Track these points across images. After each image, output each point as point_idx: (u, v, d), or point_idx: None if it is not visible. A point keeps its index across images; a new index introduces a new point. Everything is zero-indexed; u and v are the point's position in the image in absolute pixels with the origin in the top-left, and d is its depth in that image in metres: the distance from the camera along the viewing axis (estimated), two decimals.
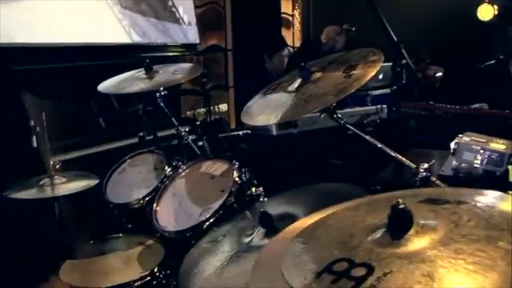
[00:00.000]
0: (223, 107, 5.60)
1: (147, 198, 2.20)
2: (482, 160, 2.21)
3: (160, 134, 3.19)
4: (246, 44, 5.41)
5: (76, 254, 2.08)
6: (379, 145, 1.65)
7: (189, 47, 4.60)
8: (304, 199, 1.76)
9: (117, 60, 3.95)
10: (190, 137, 2.51)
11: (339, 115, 1.71)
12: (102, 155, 3.36)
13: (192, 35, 4.61)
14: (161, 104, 2.45)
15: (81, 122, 3.54)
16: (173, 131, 2.56)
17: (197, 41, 4.64)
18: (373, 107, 3.71)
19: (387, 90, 3.62)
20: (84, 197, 2.30)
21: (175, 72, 2.40)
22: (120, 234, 2.21)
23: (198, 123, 4.17)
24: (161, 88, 2.44)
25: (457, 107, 3.62)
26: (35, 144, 2.49)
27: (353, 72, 1.58)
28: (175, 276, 1.93)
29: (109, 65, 3.91)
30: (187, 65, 2.56)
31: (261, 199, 1.99)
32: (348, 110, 3.57)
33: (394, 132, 3.37)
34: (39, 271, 2.04)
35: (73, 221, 2.34)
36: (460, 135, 2.31)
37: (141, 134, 2.65)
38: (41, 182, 2.29)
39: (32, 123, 2.51)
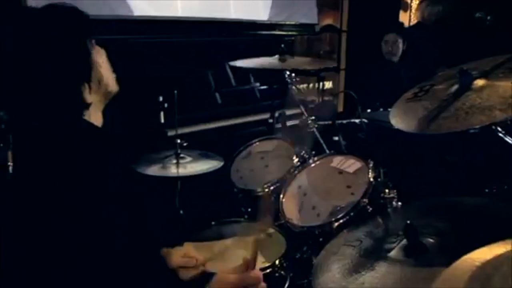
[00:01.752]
0: (328, 84, 5.46)
1: (272, 187, 2.18)
2: None
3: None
4: (362, 26, 5.25)
5: (195, 235, 2.11)
6: None
7: (306, 27, 4.52)
8: (446, 212, 1.65)
9: (233, 37, 3.98)
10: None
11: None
12: (219, 131, 3.40)
13: (310, 15, 4.53)
14: (291, 85, 2.40)
15: (198, 96, 3.61)
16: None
17: (316, 21, 4.54)
18: None
19: None
20: (206, 176, 2.34)
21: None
22: (242, 219, 2.20)
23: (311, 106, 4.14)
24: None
25: None
26: (162, 120, 2.54)
27: None
28: (292, 269, 1.92)
29: (226, 42, 3.95)
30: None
31: (394, 203, 1.91)
32: None
33: None
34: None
35: (195, 201, 2.37)
36: None
37: (271, 120, 2.62)
38: (167, 159, 2.35)
39: (161, 98, 2.55)
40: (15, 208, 1.10)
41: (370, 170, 1.93)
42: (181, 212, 2.29)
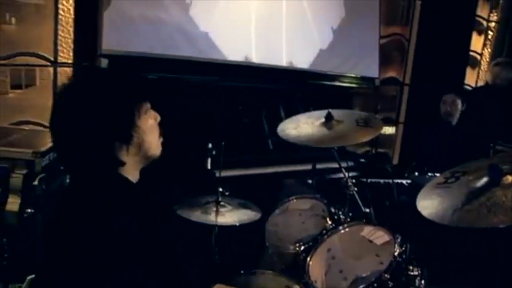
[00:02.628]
0: (390, 130, 5.46)
1: (302, 247, 2.26)
2: None
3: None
4: (425, 80, 5.23)
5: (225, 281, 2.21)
6: None
7: (367, 80, 4.58)
8: None
9: (290, 86, 4.11)
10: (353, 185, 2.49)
11: None
12: (264, 178, 3.51)
13: (372, 68, 4.59)
14: (335, 153, 2.48)
15: (251, 141, 3.74)
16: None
17: (377, 75, 4.59)
18: None
19: None
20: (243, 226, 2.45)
21: (358, 124, 2.39)
22: (270, 272, 2.26)
23: (362, 160, 4.18)
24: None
25: None
26: (209, 166, 2.68)
27: None
28: None
29: (282, 89, 4.09)
30: (371, 117, 2.51)
31: (417, 281, 1.93)
32: None
33: None
34: None
35: (229, 249, 2.47)
36: None
37: (310, 181, 2.70)
38: (207, 206, 2.48)
39: (210, 145, 2.69)
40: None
41: (396, 245, 1.97)
42: (216, 257, 2.40)
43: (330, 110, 2.39)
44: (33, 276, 2.00)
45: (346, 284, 2.03)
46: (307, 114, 2.57)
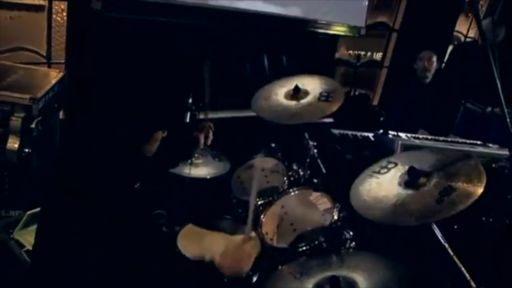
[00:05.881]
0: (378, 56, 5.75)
1: (260, 202, 2.62)
2: None
3: None
4: (415, 27, 5.36)
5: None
6: None
7: (352, 29, 4.73)
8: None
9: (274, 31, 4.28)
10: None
11: None
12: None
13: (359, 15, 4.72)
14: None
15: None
16: None
17: (363, 24, 4.72)
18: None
19: None
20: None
21: (320, 99, 2.65)
22: (233, 219, 2.61)
23: None
24: None
25: None
26: (187, 119, 2.91)
27: (446, 198, 1.77)
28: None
29: (267, 35, 4.25)
30: (335, 86, 2.75)
31: (347, 244, 2.32)
32: (479, 149, 3.58)
33: None
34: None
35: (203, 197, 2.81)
36: None
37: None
38: None
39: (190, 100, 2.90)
40: None
41: (335, 212, 2.34)
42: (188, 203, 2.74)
43: (297, 84, 2.64)
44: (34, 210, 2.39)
45: (294, 235, 2.41)
46: (278, 82, 2.82)
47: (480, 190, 1.78)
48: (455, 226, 2.97)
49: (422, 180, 1.92)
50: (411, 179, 1.93)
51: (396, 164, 2.12)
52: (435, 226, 1.88)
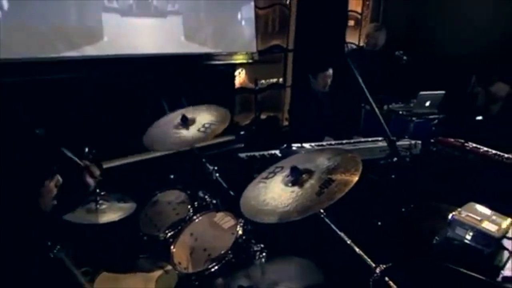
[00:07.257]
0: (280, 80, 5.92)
1: (169, 234, 2.64)
2: (472, 238, 2.40)
3: None
4: (308, 45, 5.61)
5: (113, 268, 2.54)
6: None
7: (245, 55, 4.91)
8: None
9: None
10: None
11: None
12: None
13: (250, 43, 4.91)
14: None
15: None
16: None
17: (254, 49, 4.91)
18: (407, 141, 3.88)
19: None
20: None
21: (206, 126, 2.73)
22: (146, 256, 2.61)
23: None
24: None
25: (493, 152, 3.67)
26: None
27: (325, 189, 1.88)
28: None
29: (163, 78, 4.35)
30: (220, 112, 2.85)
31: (257, 257, 2.36)
32: (380, 144, 3.76)
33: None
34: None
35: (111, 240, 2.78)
36: (459, 209, 2.52)
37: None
38: (88, 205, 2.74)
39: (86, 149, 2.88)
40: None
41: (238, 228, 2.40)
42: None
43: (184, 114, 2.71)
44: None
45: (210, 259, 2.43)
46: (169, 116, 2.89)
47: (355, 178, 1.88)
48: (379, 223, 3.08)
49: (305, 177, 2.01)
50: (294, 177, 2.02)
51: (282, 168, 2.21)
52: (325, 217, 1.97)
